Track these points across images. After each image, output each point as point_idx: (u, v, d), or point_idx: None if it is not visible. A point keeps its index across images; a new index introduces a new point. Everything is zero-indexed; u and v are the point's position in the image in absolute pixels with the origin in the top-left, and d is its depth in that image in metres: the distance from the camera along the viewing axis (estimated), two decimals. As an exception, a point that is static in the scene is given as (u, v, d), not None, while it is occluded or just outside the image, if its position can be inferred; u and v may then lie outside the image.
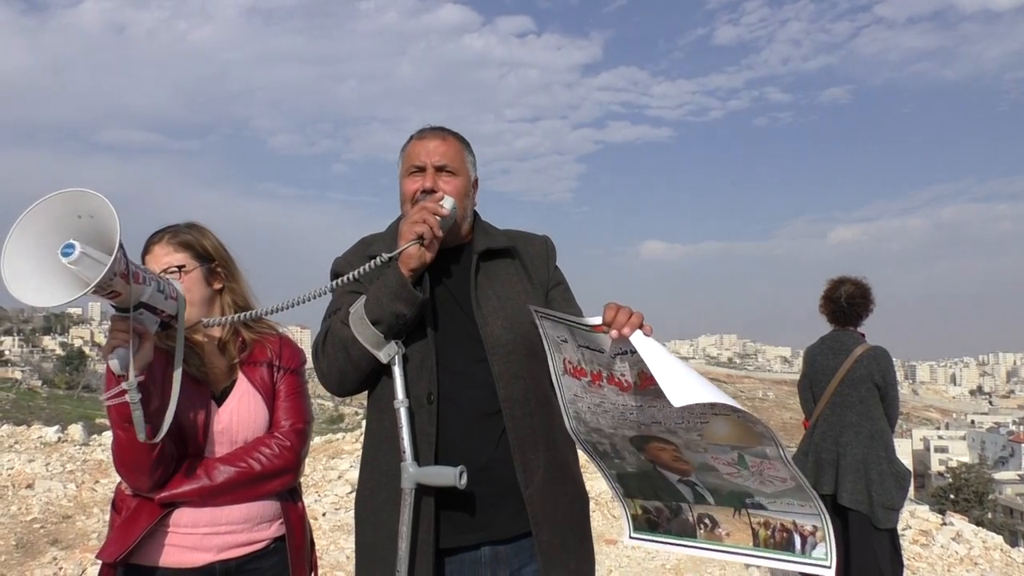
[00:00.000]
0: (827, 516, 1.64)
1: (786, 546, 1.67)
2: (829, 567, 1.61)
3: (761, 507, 1.69)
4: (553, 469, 1.87)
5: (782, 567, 1.70)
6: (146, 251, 2.00)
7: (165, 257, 1.96)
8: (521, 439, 1.83)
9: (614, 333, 1.58)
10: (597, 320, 1.64)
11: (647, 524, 1.89)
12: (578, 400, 1.78)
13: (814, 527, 1.64)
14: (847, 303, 4.27)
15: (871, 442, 4.05)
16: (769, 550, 1.69)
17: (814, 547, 1.64)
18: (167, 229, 2.03)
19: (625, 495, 1.89)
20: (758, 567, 5.41)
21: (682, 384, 1.51)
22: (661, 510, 1.84)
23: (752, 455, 1.61)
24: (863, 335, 4.33)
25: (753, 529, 1.71)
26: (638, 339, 1.59)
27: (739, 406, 1.51)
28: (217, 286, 2.05)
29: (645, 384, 1.65)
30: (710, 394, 1.49)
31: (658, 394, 1.60)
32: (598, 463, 1.88)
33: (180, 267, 1.96)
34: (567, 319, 1.69)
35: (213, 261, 2.03)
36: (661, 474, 1.79)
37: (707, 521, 1.78)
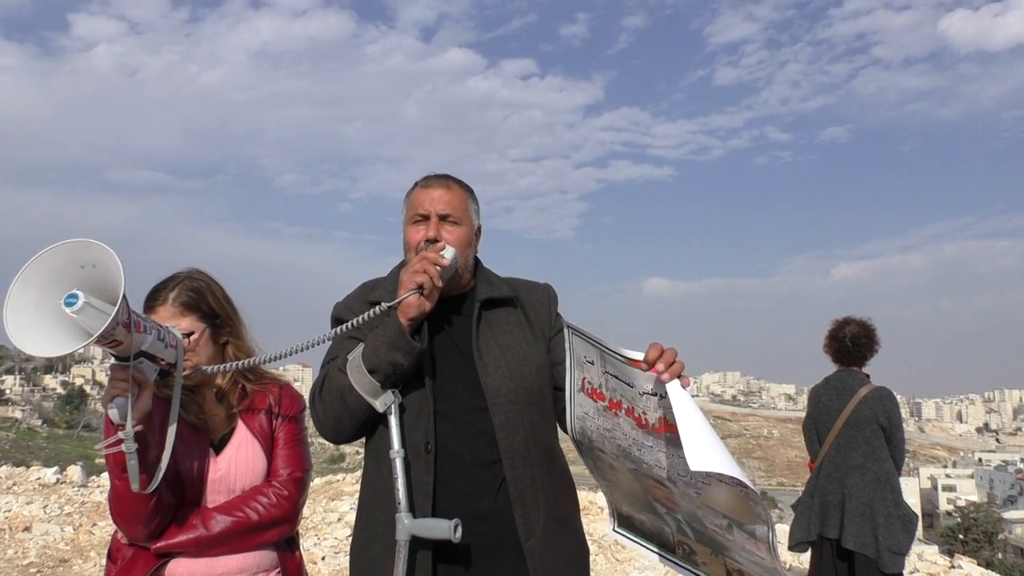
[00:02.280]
0: None
1: None
2: None
3: (737, 561, 1.69)
4: (553, 521, 1.85)
5: None
6: (150, 310, 1.95)
7: (170, 320, 1.92)
8: (521, 491, 1.81)
9: (655, 373, 1.56)
10: (638, 355, 1.62)
11: (630, 525, 1.91)
12: (587, 419, 1.78)
13: None
14: (852, 343, 4.27)
15: (877, 485, 4.01)
16: None
17: None
18: (169, 285, 1.98)
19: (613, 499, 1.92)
20: None
21: (704, 449, 1.49)
22: (644, 522, 1.86)
23: (741, 530, 1.60)
24: (868, 376, 4.31)
25: (728, 570, 1.71)
26: (674, 389, 1.58)
27: (750, 484, 1.50)
28: (222, 341, 2.03)
29: (662, 429, 1.64)
30: (727, 466, 1.47)
31: (672, 442, 1.60)
32: (592, 471, 1.89)
33: (189, 334, 1.93)
34: (603, 344, 1.68)
35: (218, 317, 2.01)
36: (650, 502, 1.79)
37: (686, 547, 1.79)
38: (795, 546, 4.31)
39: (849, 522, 3.98)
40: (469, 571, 1.78)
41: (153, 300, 1.96)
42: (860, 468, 4.06)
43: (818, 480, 4.21)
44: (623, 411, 1.70)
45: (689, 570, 1.80)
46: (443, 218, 1.91)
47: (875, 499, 3.98)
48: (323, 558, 6.38)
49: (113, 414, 1.64)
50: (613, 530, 1.96)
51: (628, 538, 1.94)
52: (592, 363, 1.72)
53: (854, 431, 4.12)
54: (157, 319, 1.89)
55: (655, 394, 1.63)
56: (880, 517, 3.94)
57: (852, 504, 4.00)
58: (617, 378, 1.68)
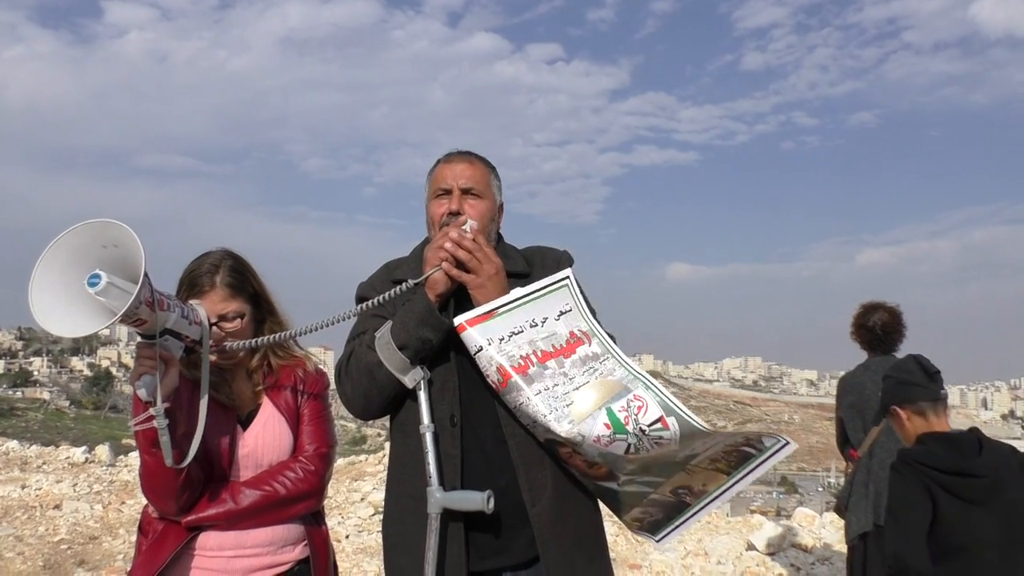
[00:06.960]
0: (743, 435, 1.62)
1: (745, 459, 1.64)
2: (788, 441, 1.60)
3: (695, 455, 1.67)
4: (561, 485, 1.84)
5: (761, 474, 1.66)
6: (200, 295, 1.93)
7: (221, 303, 1.93)
8: (525, 456, 1.81)
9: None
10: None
11: (651, 527, 1.85)
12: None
13: (746, 438, 1.62)
14: (882, 332, 4.09)
15: None
16: (740, 469, 1.64)
17: (761, 441, 1.62)
18: (211, 268, 1.97)
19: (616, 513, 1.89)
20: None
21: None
22: (647, 511, 1.82)
23: (618, 403, 1.62)
24: None
25: (710, 471, 1.68)
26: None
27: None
28: (259, 318, 2.05)
29: (515, 373, 1.69)
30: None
31: (517, 387, 1.67)
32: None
33: (242, 316, 1.97)
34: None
35: (258, 297, 2.04)
36: (606, 487, 1.80)
37: (682, 490, 1.75)
38: (856, 538, 4.17)
39: None
40: (493, 543, 1.80)
41: (200, 284, 1.95)
42: None
43: (871, 467, 3.95)
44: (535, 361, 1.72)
45: (711, 501, 1.71)
46: (465, 192, 1.93)
47: None
48: (347, 536, 6.46)
49: (141, 392, 1.67)
50: (656, 541, 1.83)
51: (666, 534, 1.81)
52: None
53: None
54: (208, 303, 1.91)
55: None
56: None
57: None
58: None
